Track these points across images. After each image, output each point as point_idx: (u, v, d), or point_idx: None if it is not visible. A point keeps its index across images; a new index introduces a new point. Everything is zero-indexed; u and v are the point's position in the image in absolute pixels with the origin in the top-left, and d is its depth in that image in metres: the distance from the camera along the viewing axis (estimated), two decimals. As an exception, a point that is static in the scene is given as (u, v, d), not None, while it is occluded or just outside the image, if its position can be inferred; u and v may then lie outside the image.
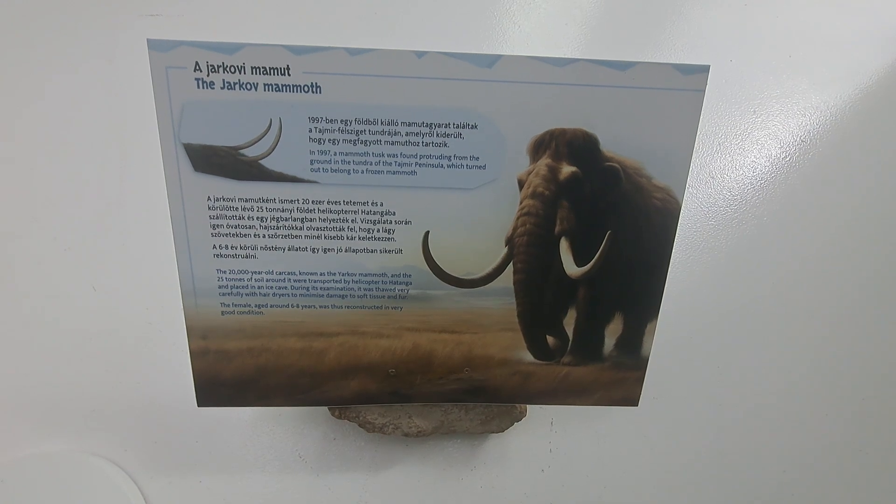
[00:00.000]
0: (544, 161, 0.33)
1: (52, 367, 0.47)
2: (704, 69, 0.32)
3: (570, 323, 0.37)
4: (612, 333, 0.38)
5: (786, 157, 0.61)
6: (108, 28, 0.64)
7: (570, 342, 0.38)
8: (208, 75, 0.31)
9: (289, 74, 0.31)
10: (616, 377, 0.39)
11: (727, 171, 0.60)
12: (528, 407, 0.45)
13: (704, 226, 0.56)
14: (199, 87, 0.32)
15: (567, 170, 0.34)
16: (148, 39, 0.31)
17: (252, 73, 0.31)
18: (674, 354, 0.51)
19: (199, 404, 0.39)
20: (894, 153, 0.62)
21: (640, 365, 0.39)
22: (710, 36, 0.69)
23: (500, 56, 0.31)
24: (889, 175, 0.61)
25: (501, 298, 0.36)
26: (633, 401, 0.40)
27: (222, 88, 0.32)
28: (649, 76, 0.32)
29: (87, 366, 0.47)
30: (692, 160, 0.59)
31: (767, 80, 0.66)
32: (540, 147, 0.33)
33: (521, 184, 0.34)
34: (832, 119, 0.64)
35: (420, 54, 0.31)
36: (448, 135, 0.33)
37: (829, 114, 0.64)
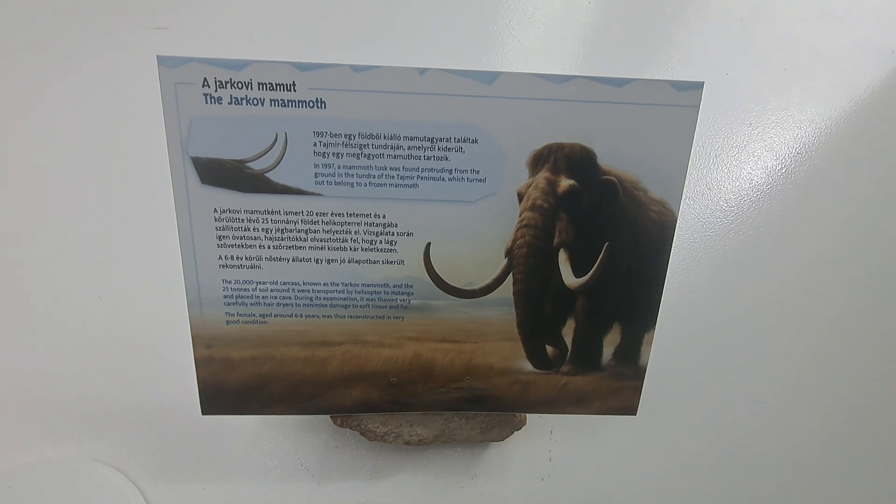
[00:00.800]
0: (543, 174, 0.34)
1: (58, 373, 0.48)
2: (699, 85, 0.33)
3: (568, 333, 0.38)
4: (610, 343, 0.38)
5: (782, 168, 0.62)
6: (117, 41, 0.65)
7: (568, 352, 0.38)
8: (216, 91, 0.32)
9: (295, 90, 0.32)
10: (614, 386, 0.40)
11: (724, 182, 0.60)
12: (528, 416, 0.46)
13: (702, 236, 0.57)
14: (206, 102, 0.33)
15: (565, 183, 0.34)
16: (158, 56, 0.32)
17: (259, 89, 0.32)
18: (672, 363, 0.52)
19: (204, 412, 0.39)
20: (889, 165, 0.63)
21: (638, 374, 0.39)
22: (706, 49, 0.70)
23: (500, 73, 0.32)
24: (884, 186, 0.62)
25: (501, 309, 0.37)
26: (631, 410, 0.41)
27: (230, 103, 0.33)
28: (645, 92, 0.33)
29: (93, 373, 0.48)
30: (689, 172, 0.60)
31: (763, 92, 0.67)
32: (539, 161, 0.34)
33: (520, 197, 0.35)
34: (827, 131, 0.65)
35: (422, 71, 0.32)
36: (449, 149, 0.34)
37: (825, 126, 0.65)
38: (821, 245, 0.58)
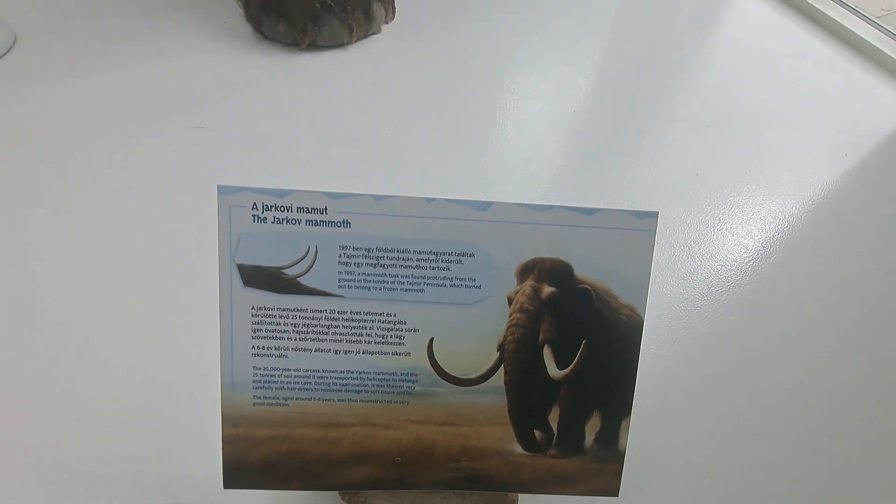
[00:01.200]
0: (529, 283, 0.41)
1: (85, 442, 0.52)
2: (654, 215, 0.40)
3: (554, 419, 0.43)
4: (591, 429, 0.43)
5: (749, 259, 0.69)
6: (161, 138, 0.75)
7: (555, 436, 0.43)
8: (262, 213, 0.40)
9: (326, 213, 0.40)
10: (597, 469, 0.44)
11: (698, 271, 0.67)
12: (520, 495, 0.49)
13: (678, 322, 0.63)
14: (254, 221, 0.40)
15: (548, 290, 0.41)
16: (218, 185, 0.40)
17: (297, 212, 0.40)
18: (656, 444, 0.56)
19: (226, 486, 0.43)
20: (845, 259, 0.70)
21: (617, 458, 0.44)
22: (678, 152, 0.79)
23: (492, 202, 0.40)
24: (842, 277, 0.68)
25: (494, 396, 0.42)
26: (613, 492, 0.45)
27: (273, 223, 0.40)
28: (611, 219, 0.40)
29: (119, 445, 0.52)
30: (666, 262, 0.67)
31: (730, 191, 0.75)
32: (525, 271, 0.41)
33: (510, 301, 0.41)
34: (788, 227, 0.73)
35: (430, 200, 0.40)
36: (450, 261, 0.40)
37: (787, 221, 0.73)
38: (787, 329, 0.63)
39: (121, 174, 0.71)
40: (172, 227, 0.65)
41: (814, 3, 1.10)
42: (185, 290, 0.59)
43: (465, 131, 0.80)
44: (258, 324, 0.41)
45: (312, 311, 0.41)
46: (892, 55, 0.99)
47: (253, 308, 0.41)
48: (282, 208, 0.40)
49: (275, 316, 0.41)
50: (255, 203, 0.40)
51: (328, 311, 0.41)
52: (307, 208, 0.40)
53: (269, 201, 0.40)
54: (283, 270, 0.41)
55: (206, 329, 0.56)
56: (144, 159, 0.73)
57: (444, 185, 0.71)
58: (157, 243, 0.63)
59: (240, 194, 0.40)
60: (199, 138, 0.77)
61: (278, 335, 0.42)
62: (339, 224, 0.40)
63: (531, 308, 0.41)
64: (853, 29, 1.04)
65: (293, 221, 0.40)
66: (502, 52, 0.96)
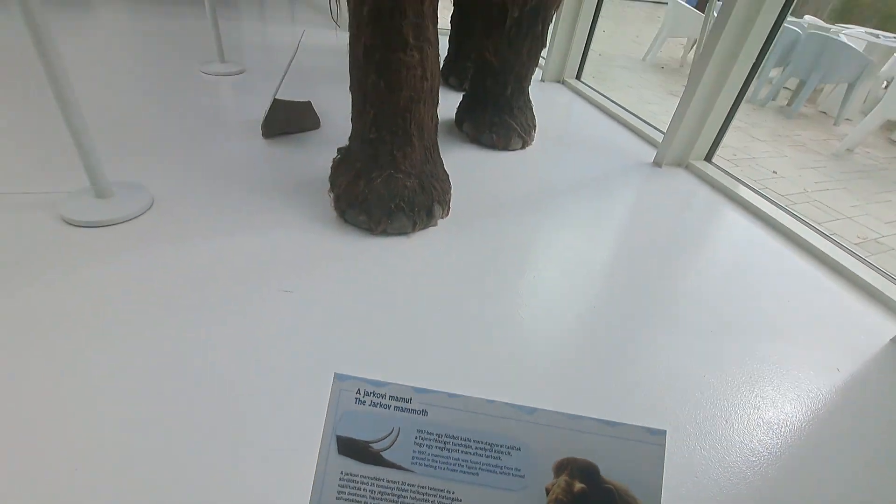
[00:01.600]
0: (563, 478, 0.51)
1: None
2: (663, 433, 0.51)
3: None
4: None
5: (756, 463, 0.76)
6: (255, 299, 0.92)
7: None
8: (363, 397, 0.53)
9: (410, 403, 0.53)
10: None
11: (709, 471, 0.75)
12: None
13: (692, 522, 0.69)
14: (355, 402, 0.53)
15: (578, 486, 0.51)
16: (335, 373, 0.54)
17: (389, 399, 0.53)
18: None
19: None
20: (842, 466, 0.77)
21: None
22: (685, 355, 0.92)
23: (537, 409, 0.52)
24: (839, 481, 0.74)
25: (530, 580, 0.49)
26: None
27: (369, 405, 0.53)
28: (629, 432, 0.51)
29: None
30: (679, 462, 0.75)
31: (735, 395, 0.86)
32: (561, 468, 0.51)
33: (547, 491, 0.51)
34: (791, 434, 0.81)
35: (490, 402, 0.52)
36: (501, 452, 0.51)
37: (787, 429, 0.82)
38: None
39: (218, 327, 0.87)
40: (258, 378, 0.78)
41: (796, 231, 1.32)
42: (257, 434, 0.69)
43: (498, 313, 0.96)
44: (343, 487, 0.52)
45: (388, 482, 0.51)
46: (868, 279, 1.16)
47: (342, 474, 0.52)
48: (377, 395, 0.53)
49: (358, 482, 0.52)
50: (359, 389, 0.53)
51: (400, 483, 0.51)
52: (397, 397, 0.53)
53: (370, 389, 0.53)
54: (371, 444, 0.52)
55: (267, 475, 0.65)
56: (239, 314, 0.89)
57: (476, 359, 0.85)
58: (243, 393, 0.76)
59: (349, 382, 0.53)
60: (287, 300, 0.94)
61: (356, 499, 0.51)
62: (419, 412, 0.53)
63: (564, 500, 0.51)
64: (831, 254, 1.23)
65: (385, 406, 0.53)
66: (529, 248, 1.18)
